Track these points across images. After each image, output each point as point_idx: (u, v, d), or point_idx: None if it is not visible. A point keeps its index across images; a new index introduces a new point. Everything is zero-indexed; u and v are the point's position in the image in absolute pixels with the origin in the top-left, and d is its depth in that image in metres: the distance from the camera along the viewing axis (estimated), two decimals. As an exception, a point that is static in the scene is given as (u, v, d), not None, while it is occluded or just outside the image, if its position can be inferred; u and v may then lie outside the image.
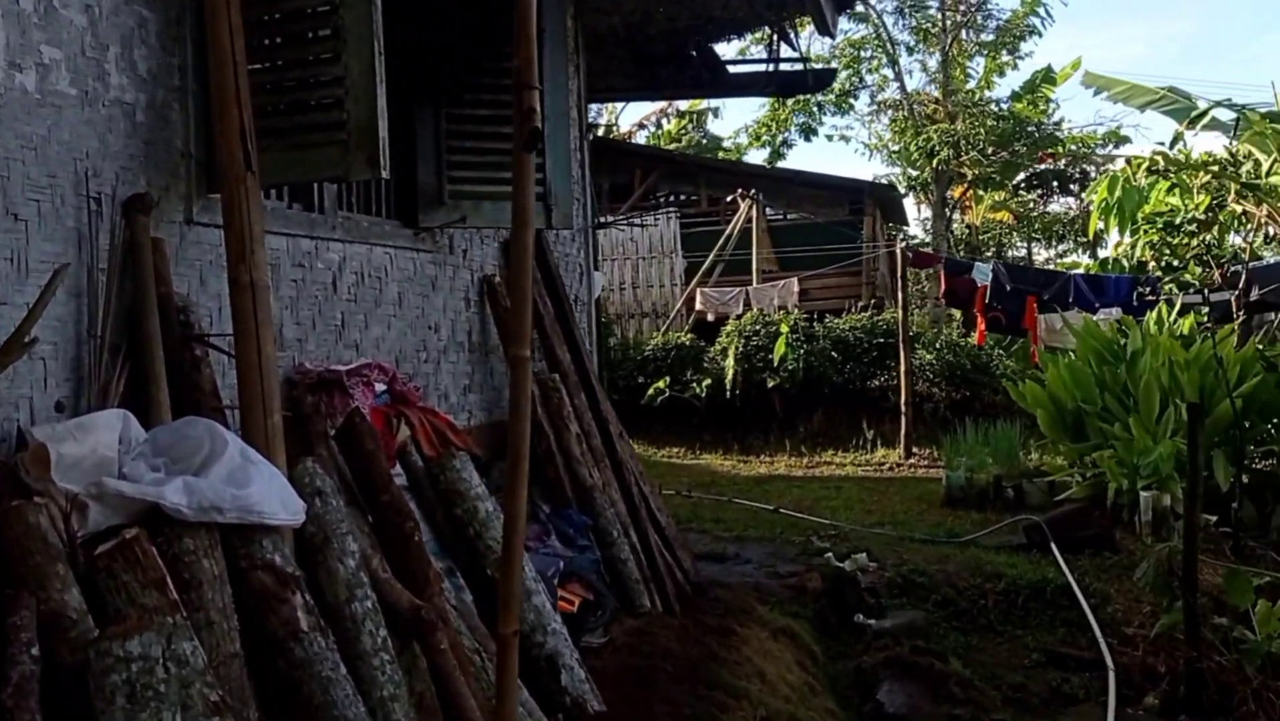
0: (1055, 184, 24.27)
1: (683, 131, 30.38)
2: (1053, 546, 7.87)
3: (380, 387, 4.43)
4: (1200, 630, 5.81)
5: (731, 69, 8.46)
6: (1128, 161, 9.82)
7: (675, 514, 9.88)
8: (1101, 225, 13.85)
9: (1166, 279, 11.14)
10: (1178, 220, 11.11)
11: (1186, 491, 5.69)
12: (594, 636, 4.68)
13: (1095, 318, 11.72)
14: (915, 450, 13.66)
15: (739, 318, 15.67)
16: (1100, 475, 8.97)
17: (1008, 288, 12.67)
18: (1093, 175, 24.74)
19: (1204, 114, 8.88)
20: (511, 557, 2.50)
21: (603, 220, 7.61)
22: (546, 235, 6.20)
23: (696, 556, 8.21)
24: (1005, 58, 18.81)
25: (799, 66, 8.35)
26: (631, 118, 32.42)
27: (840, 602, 6.72)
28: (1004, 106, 18.92)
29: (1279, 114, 8.70)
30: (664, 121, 32.20)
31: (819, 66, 10.90)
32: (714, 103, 30.36)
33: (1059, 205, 27.58)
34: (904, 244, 13.73)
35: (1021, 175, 22.03)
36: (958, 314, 21.48)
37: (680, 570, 5.99)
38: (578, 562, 4.99)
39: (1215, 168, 9.76)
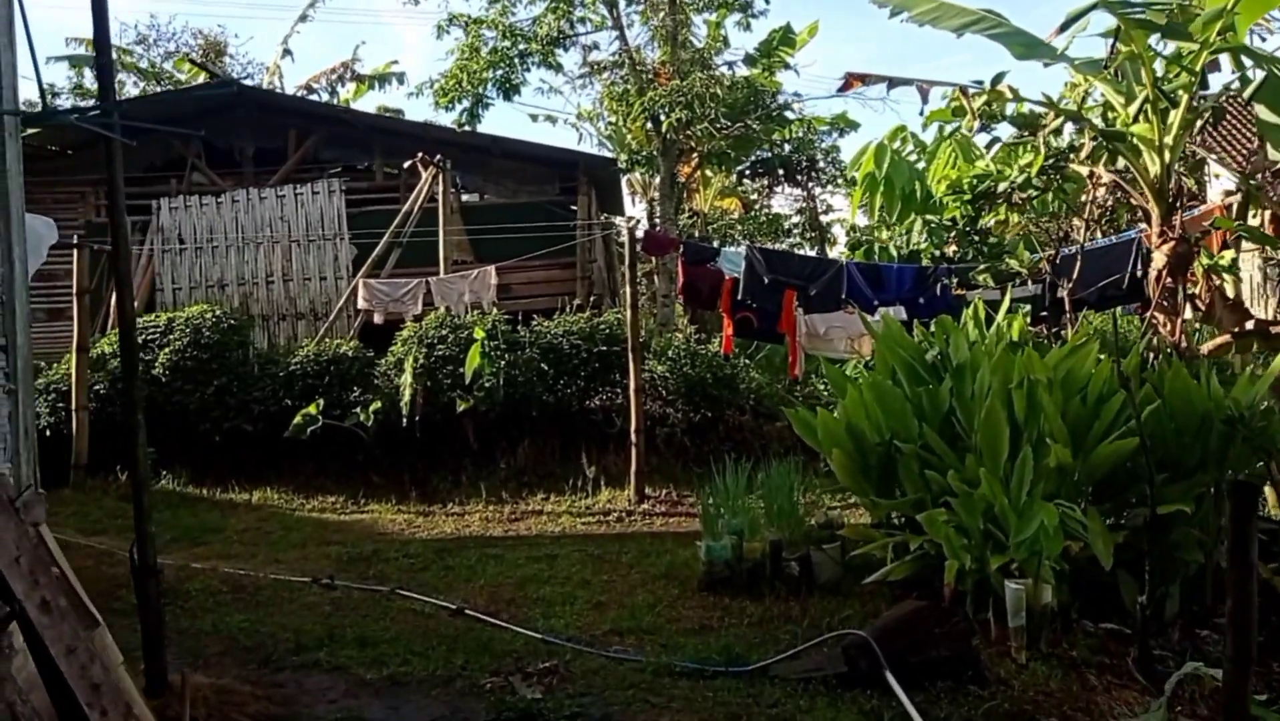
0: (782, 172, 22.57)
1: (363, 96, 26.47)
2: (891, 680, 5.11)
3: None
4: None
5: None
6: (963, 101, 7.36)
7: (296, 634, 6.36)
8: (864, 207, 11.67)
9: (981, 266, 8.94)
10: (1001, 188, 8.96)
11: (1232, 638, 2.94)
12: None
13: (873, 319, 9.39)
14: (649, 491, 10.82)
15: (419, 319, 12.21)
16: (930, 547, 6.37)
17: (765, 280, 10.10)
18: (821, 164, 23.35)
19: (1083, 14, 6.58)
20: None
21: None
22: None
23: (311, 739, 4.87)
24: (736, 17, 16.56)
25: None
26: (297, 78, 27.95)
27: None
28: (736, 72, 16.64)
29: (1181, 25, 6.43)
30: (340, 87, 28.12)
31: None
32: (401, 66, 26.67)
33: (783, 199, 26.17)
34: (633, 222, 10.84)
35: (753, 156, 20.02)
36: (682, 314, 19.13)
37: None
38: None
39: (1067, 110, 7.57)
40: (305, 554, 9.02)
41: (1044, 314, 9.04)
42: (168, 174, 16.75)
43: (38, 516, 3.16)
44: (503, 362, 11.57)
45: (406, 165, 13.92)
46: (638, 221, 12.14)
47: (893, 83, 7.20)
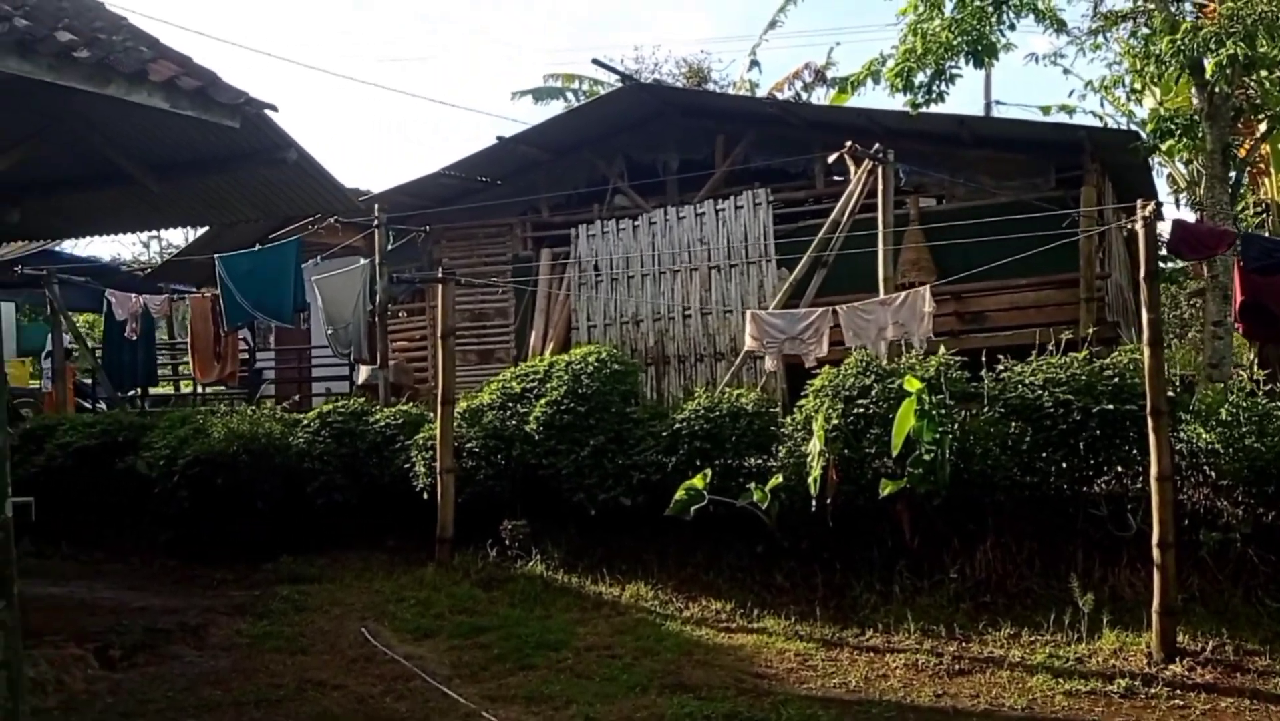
0: None
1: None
2: None
3: None
4: None
5: None
6: None
7: None
8: None
9: None
10: None
11: None
12: None
13: None
14: (1185, 640, 6.95)
15: (834, 363, 9.27)
16: None
17: None
18: None
19: None
20: None
21: None
22: None
23: None
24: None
25: None
26: (763, 92, 26.27)
27: None
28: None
29: None
30: (807, 94, 26.16)
31: None
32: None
33: None
34: (1150, 206, 7.07)
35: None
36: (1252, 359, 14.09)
37: None
38: None
39: None
40: (635, 706, 6.55)
41: None
42: (591, 198, 15.49)
43: None
44: (953, 427, 8.29)
45: (831, 159, 11.05)
46: (1158, 206, 8.22)
47: None
